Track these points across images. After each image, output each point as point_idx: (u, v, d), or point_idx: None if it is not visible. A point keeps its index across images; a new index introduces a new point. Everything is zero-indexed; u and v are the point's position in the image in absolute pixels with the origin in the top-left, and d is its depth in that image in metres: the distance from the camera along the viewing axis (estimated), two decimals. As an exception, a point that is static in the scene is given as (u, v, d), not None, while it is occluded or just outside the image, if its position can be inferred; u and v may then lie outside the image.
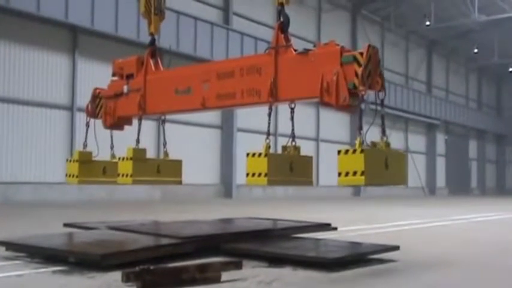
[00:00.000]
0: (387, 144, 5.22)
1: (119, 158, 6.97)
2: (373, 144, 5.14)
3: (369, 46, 5.18)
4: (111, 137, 7.56)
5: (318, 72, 5.42)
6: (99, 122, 7.68)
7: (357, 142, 4.93)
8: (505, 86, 53.28)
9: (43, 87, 17.88)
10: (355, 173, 4.79)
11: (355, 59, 5.16)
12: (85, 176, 7.61)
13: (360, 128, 5.04)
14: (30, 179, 17.19)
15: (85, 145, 7.65)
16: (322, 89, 5.36)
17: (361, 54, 5.13)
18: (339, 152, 4.95)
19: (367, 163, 4.76)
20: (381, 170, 4.99)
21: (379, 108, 5.15)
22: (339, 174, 4.91)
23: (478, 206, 20.14)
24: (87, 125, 7.66)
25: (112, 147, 7.65)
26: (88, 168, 7.61)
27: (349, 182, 4.87)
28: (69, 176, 7.69)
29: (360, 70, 5.09)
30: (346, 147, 5.10)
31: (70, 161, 7.74)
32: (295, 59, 5.76)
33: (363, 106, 5.35)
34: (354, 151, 4.84)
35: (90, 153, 7.64)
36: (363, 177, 4.75)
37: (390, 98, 32.62)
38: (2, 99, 16.72)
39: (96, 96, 7.76)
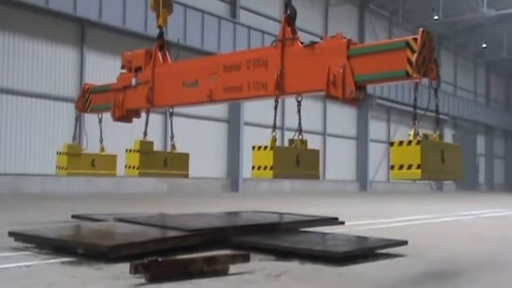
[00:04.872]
0: (440, 137, 4.95)
1: (126, 150, 7.00)
2: (425, 136, 4.84)
3: (423, 31, 4.90)
4: (101, 130, 7.68)
5: (324, 65, 5.37)
6: (88, 116, 7.82)
7: (411, 133, 4.66)
8: (514, 82, 52.99)
9: (51, 80, 17.94)
10: (410, 167, 4.49)
11: (407, 44, 4.90)
12: (74, 168, 7.76)
13: (415, 118, 4.80)
14: (38, 171, 17.28)
15: (74, 138, 7.87)
16: (328, 82, 5.30)
17: (415, 39, 4.88)
18: (392, 143, 4.67)
19: (423, 156, 4.48)
20: (438, 164, 4.69)
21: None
22: (392, 167, 4.63)
23: (486, 202, 20.05)
24: (77, 119, 7.85)
25: (101, 141, 7.77)
26: (77, 160, 7.76)
27: (404, 176, 4.56)
28: (59, 168, 7.86)
29: (413, 57, 4.83)
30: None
31: (60, 153, 7.87)
32: (302, 52, 5.70)
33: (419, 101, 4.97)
34: (409, 142, 4.56)
35: (79, 146, 7.79)
36: (419, 171, 4.45)
37: (398, 92, 32.51)
38: (11, 92, 16.80)
39: (86, 91, 7.85)
